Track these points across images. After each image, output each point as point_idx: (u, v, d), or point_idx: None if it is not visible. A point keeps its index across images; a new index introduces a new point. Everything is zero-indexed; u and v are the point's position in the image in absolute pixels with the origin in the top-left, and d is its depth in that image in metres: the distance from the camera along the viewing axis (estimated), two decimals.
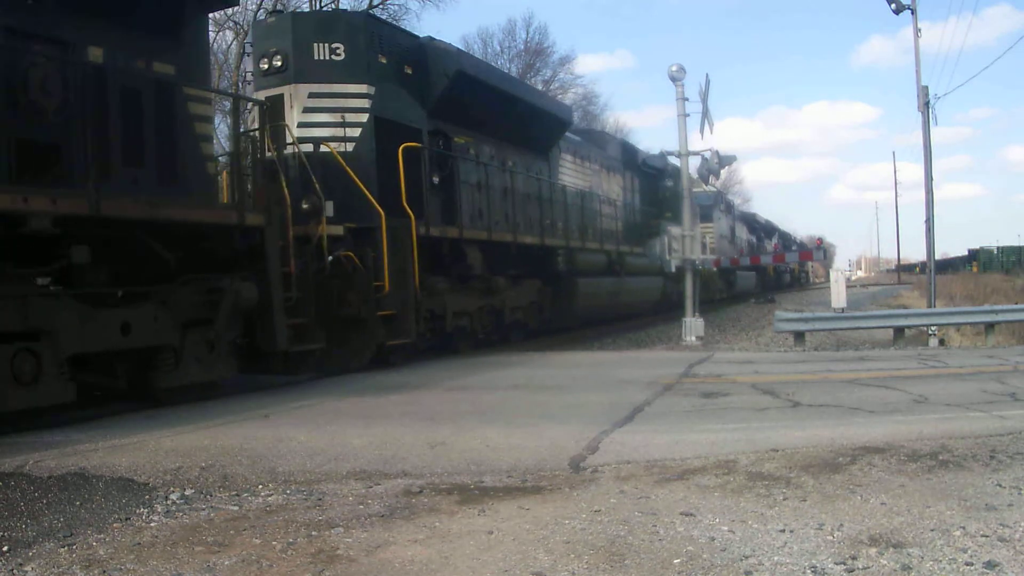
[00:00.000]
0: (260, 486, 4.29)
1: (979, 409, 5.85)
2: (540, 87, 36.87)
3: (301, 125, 9.65)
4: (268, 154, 8.58)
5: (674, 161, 17.87)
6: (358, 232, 9.56)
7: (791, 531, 3.28)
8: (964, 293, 25.87)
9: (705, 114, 13.55)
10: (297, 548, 3.26)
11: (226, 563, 3.10)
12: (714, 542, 3.18)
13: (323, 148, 9.56)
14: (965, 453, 4.50)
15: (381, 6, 29.31)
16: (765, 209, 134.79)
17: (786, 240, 51.67)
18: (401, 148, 10.19)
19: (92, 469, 4.57)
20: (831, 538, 3.19)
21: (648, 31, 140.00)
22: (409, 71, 11.02)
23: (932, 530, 3.24)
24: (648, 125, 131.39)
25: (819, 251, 27.91)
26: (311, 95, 9.90)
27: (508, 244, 13.23)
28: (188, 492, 4.17)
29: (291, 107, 9.78)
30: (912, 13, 16.66)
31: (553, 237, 15.04)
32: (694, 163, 14.22)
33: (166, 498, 4.07)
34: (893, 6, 16.42)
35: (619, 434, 5.34)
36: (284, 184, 8.44)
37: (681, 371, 8.79)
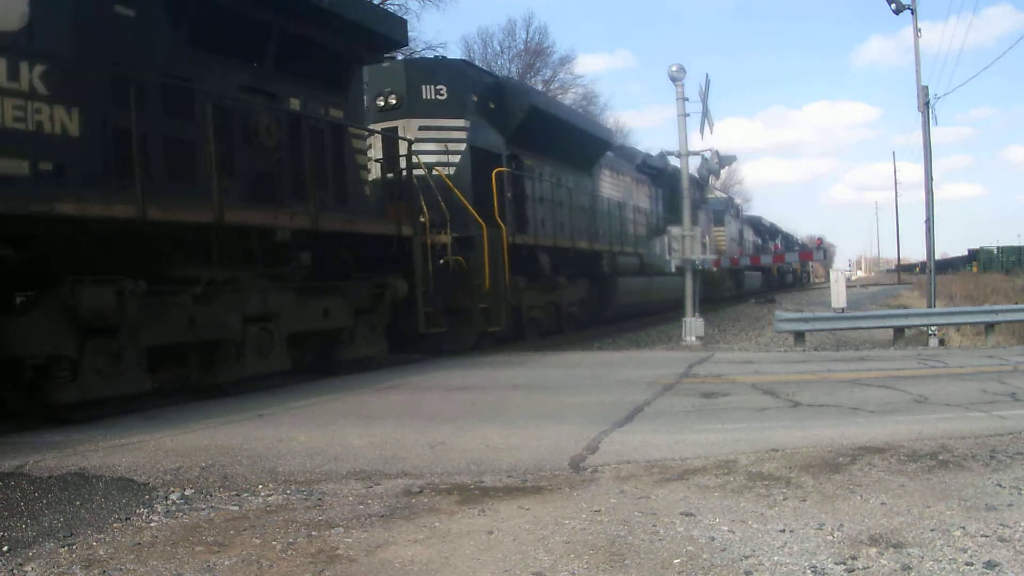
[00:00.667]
0: (260, 486, 4.28)
1: (979, 409, 5.85)
2: (540, 87, 36.92)
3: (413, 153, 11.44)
4: (388, 175, 10.75)
5: (674, 161, 18.16)
6: (461, 240, 11.62)
7: (791, 531, 3.28)
8: (964, 293, 25.89)
9: (705, 114, 13.55)
10: (297, 548, 3.26)
11: (226, 563, 3.10)
12: (714, 542, 3.18)
13: (434, 172, 11.51)
14: (965, 453, 4.50)
15: (381, 6, 29.31)
16: (765, 209, 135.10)
17: (789, 241, 54.04)
18: (494, 172, 12.59)
19: (92, 469, 4.57)
20: (831, 538, 3.19)
21: (648, 31, 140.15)
22: (492, 106, 13.47)
23: (932, 530, 3.24)
24: (649, 125, 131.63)
25: (819, 251, 27.88)
26: (420, 128, 12.00)
27: (567, 249, 15.58)
28: (188, 492, 4.17)
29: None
30: (912, 13, 16.66)
31: (599, 243, 17.56)
32: (694, 163, 14.22)
33: (166, 498, 4.06)
34: (893, 6, 16.42)
35: (619, 434, 5.34)
36: (422, 202, 10.63)
37: (681, 371, 8.78)
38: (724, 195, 34.69)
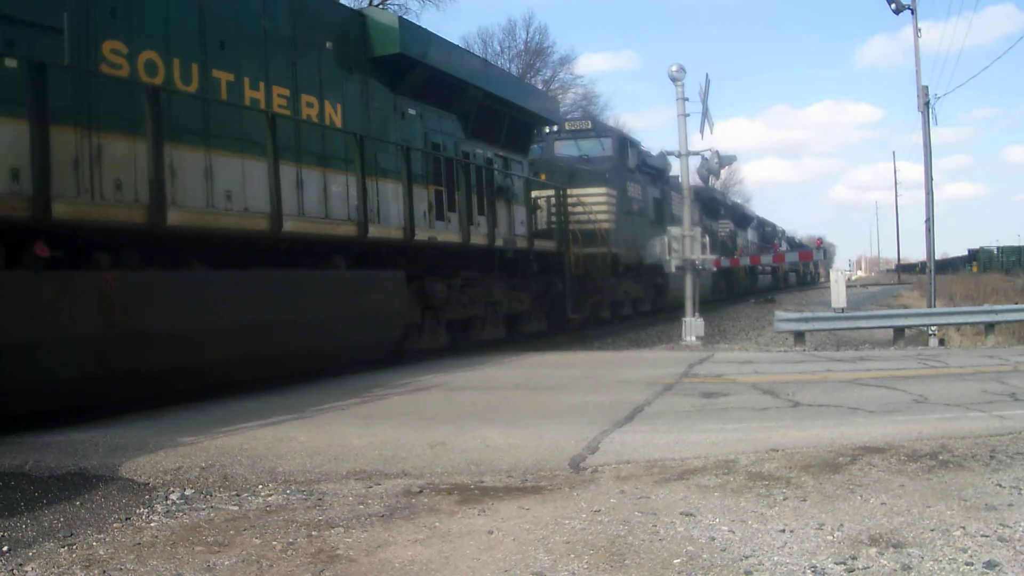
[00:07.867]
0: (260, 486, 4.29)
1: (979, 409, 5.85)
2: (540, 87, 36.93)
3: None
4: None
5: (674, 161, 18.49)
6: None
7: (791, 531, 3.28)
8: (964, 293, 25.89)
9: (705, 114, 13.54)
10: (297, 548, 3.26)
11: (226, 563, 3.10)
12: (714, 542, 3.18)
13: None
14: (965, 453, 4.50)
15: (381, 6, 29.30)
16: (765, 209, 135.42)
17: (804, 248, 61.41)
18: None
19: (92, 469, 4.57)
20: (831, 538, 3.19)
21: (651, 32, 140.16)
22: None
23: (932, 530, 3.24)
24: (651, 126, 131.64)
25: (819, 251, 27.86)
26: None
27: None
28: (188, 492, 4.17)
29: None
30: (912, 13, 16.67)
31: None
32: (694, 163, 14.29)
33: (166, 498, 4.07)
34: (893, 6, 16.43)
35: (619, 434, 5.34)
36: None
37: (681, 371, 8.78)
38: (782, 227, 50.57)
